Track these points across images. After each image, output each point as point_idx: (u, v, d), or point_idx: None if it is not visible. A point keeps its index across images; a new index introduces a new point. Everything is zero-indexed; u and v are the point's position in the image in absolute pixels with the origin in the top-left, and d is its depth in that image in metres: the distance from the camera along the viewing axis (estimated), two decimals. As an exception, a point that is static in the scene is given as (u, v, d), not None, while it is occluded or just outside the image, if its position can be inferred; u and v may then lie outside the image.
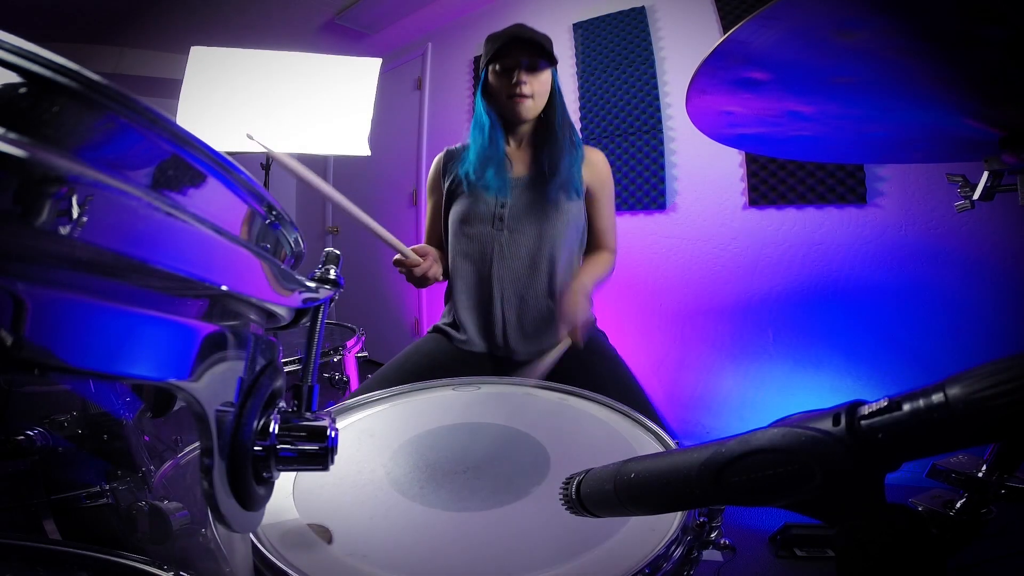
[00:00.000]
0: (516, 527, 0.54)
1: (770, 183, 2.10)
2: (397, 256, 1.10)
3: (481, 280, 1.23)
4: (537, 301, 1.21)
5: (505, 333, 1.21)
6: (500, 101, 1.18)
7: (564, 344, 1.05)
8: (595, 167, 1.27)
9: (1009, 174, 0.66)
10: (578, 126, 2.56)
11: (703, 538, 0.53)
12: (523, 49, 1.14)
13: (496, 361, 1.23)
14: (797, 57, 0.49)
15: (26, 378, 0.72)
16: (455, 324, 1.26)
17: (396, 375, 1.11)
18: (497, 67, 1.17)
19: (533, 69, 1.15)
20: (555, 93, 1.21)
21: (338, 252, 0.41)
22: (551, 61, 1.16)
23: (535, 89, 1.16)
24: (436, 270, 1.17)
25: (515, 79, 1.14)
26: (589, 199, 1.28)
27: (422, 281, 1.16)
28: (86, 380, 0.73)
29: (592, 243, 1.32)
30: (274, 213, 0.28)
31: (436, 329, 1.29)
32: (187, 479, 0.79)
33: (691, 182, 2.33)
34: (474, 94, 1.30)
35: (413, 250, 1.12)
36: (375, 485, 0.63)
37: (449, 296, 1.31)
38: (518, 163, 1.25)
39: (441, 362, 1.17)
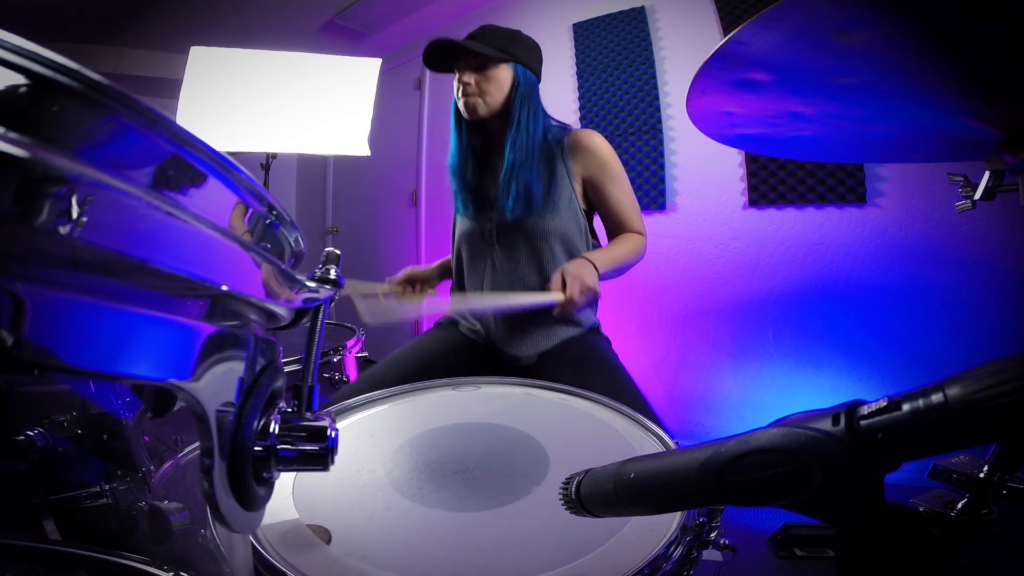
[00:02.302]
0: (516, 527, 0.54)
1: (770, 183, 2.10)
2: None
3: (479, 292, 1.23)
4: (535, 312, 1.17)
5: (506, 341, 1.20)
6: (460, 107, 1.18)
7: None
8: (587, 152, 1.18)
9: (1010, 174, 0.66)
10: (578, 126, 2.55)
11: (703, 538, 0.53)
12: (449, 53, 1.14)
13: (496, 362, 1.22)
14: (798, 58, 0.49)
15: (26, 378, 0.72)
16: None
17: (397, 364, 1.13)
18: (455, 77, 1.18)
19: (480, 68, 1.12)
20: (516, 94, 1.14)
21: (338, 252, 0.41)
22: (489, 57, 1.11)
23: (483, 87, 1.12)
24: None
25: (460, 80, 1.14)
26: (591, 188, 1.20)
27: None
28: (86, 380, 0.73)
29: (613, 232, 1.25)
30: (274, 213, 0.28)
31: (441, 323, 1.30)
32: (187, 479, 0.79)
33: (691, 182, 2.32)
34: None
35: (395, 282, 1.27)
36: (375, 485, 0.63)
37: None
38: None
39: (442, 354, 1.18)
